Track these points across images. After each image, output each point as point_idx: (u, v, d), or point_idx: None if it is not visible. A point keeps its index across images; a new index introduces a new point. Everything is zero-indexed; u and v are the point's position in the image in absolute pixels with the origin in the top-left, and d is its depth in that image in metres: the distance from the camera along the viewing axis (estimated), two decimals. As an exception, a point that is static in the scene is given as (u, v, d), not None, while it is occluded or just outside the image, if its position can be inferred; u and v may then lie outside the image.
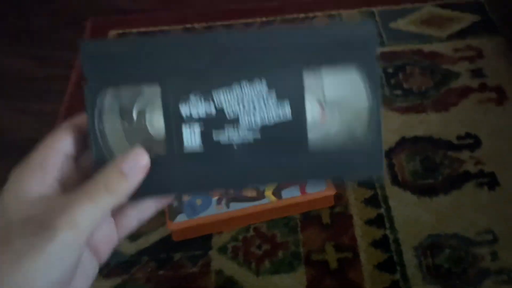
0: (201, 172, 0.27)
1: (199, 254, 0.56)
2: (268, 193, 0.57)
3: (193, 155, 0.26)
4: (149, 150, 0.26)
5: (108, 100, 0.27)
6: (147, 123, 0.28)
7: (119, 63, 0.26)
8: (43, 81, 0.82)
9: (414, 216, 0.57)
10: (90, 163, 0.26)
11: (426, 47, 0.77)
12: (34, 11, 0.95)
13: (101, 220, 0.25)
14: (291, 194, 0.57)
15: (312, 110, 0.27)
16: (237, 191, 0.57)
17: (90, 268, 0.27)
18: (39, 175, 0.25)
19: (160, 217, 0.59)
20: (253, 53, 0.26)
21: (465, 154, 0.63)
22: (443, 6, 0.84)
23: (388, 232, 0.56)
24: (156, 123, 0.27)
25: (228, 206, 0.56)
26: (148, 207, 0.29)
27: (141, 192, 0.26)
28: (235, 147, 0.26)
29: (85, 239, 0.24)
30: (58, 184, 0.26)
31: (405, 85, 0.72)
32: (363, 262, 0.54)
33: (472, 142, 0.64)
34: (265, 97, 0.26)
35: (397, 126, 0.67)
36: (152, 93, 0.27)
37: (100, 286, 0.54)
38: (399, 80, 0.73)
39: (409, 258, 0.53)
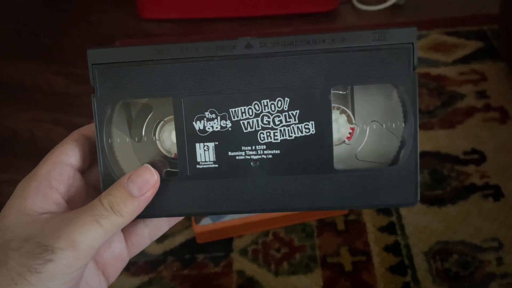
0: (215, 191, 0.25)
1: (221, 256, 0.60)
2: None
3: (206, 171, 0.25)
4: (159, 167, 0.25)
5: (118, 113, 0.25)
6: (158, 139, 0.26)
7: (131, 74, 0.24)
8: (75, 96, 0.88)
9: (424, 224, 0.61)
10: (98, 178, 0.25)
11: (433, 71, 0.83)
12: (66, 32, 1.03)
13: (105, 241, 0.23)
14: None
15: (339, 127, 0.25)
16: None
17: (96, 286, 0.26)
18: (44, 190, 0.24)
19: (185, 221, 0.63)
20: (276, 74, 0.24)
21: (471, 168, 0.67)
22: (449, 33, 0.90)
23: (399, 238, 0.59)
24: (167, 139, 0.26)
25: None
26: (160, 226, 0.28)
27: (152, 211, 0.25)
28: (252, 163, 0.24)
29: (86, 261, 0.22)
30: (64, 200, 0.24)
31: (414, 105, 0.77)
32: (376, 265, 0.57)
33: (477, 157, 0.68)
34: (287, 115, 0.24)
35: (407, 141, 0.71)
36: (165, 108, 0.26)
37: (128, 283, 0.58)
38: (408, 100, 0.77)
39: (419, 262, 0.57)
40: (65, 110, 0.85)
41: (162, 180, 0.25)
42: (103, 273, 0.27)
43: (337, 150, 0.25)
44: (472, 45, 0.87)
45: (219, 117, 0.25)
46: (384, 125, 0.25)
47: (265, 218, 0.60)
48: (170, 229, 0.63)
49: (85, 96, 0.87)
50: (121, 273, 0.59)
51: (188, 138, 0.25)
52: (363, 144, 0.26)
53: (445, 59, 0.85)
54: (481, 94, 0.78)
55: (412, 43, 0.25)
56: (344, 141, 0.26)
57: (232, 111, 0.25)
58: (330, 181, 0.24)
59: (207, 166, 0.25)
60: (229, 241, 0.61)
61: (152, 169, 0.24)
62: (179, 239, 0.62)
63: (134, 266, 0.59)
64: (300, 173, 0.24)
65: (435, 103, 0.77)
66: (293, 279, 0.57)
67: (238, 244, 0.61)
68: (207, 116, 0.25)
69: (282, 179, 0.24)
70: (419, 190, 0.24)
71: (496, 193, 0.63)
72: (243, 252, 0.60)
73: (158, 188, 0.24)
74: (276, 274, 0.57)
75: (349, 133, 0.26)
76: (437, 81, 0.81)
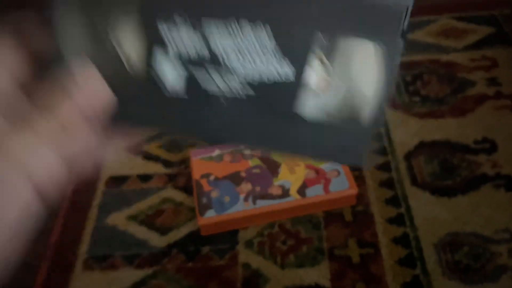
0: (182, 116, 0.22)
1: (226, 248, 0.59)
2: (293, 191, 0.60)
3: (175, 100, 0.22)
4: (117, 80, 0.21)
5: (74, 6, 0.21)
6: (118, 45, 0.22)
7: None
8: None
9: (433, 215, 0.59)
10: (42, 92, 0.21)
11: (443, 57, 0.80)
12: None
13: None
14: (314, 192, 0.60)
15: (315, 77, 0.23)
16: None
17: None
18: None
19: (189, 213, 0.62)
20: None
21: (482, 157, 0.65)
22: (459, 18, 0.87)
23: (408, 229, 0.58)
24: (129, 45, 0.22)
25: (254, 203, 0.59)
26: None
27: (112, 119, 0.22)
28: (223, 100, 0.22)
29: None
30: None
31: (423, 92, 0.75)
32: (384, 257, 0.56)
33: (488, 146, 0.66)
34: (267, 48, 0.21)
35: (416, 130, 0.69)
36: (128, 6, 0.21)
37: (132, 276, 0.57)
38: (417, 88, 0.76)
39: (429, 254, 0.56)
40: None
41: (123, 95, 0.22)
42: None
43: (308, 99, 0.23)
44: (483, 31, 0.85)
45: (190, 27, 0.21)
46: (359, 85, 0.24)
47: (271, 210, 0.59)
48: (174, 221, 0.62)
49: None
50: (125, 265, 0.59)
51: (152, 45, 0.21)
52: (334, 99, 0.24)
53: (455, 45, 0.83)
54: (493, 81, 0.75)
55: (407, 7, 0.22)
56: (316, 92, 0.24)
57: (206, 24, 0.21)
58: (299, 126, 0.23)
59: (176, 93, 0.22)
60: (235, 233, 0.60)
61: (107, 88, 0.21)
62: (183, 231, 0.61)
63: (138, 259, 0.58)
64: (270, 118, 0.22)
65: (445, 91, 0.75)
66: (300, 271, 0.56)
67: (243, 236, 0.60)
68: (176, 22, 0.21)
69: (253, 120, 0.23)
70: (366, 153, 0.23)
71: (508, 183, 0.61)
72: (249, 244, 0.59)
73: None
74: (283, 266, 0.56)
75: (325, 83, 0.24)
76: (447, 68, 0.78)
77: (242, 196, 0.60)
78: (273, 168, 0.64)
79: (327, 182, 0.61)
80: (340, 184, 0.60)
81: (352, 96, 0.24)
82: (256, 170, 0.63)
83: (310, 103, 0.23)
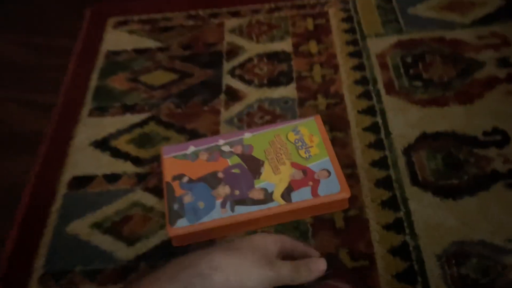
0: None
1: (201, 261, 0.51)
2: (277, 196, 0.53)
3: None
4: None
5: None
6: None
7: None
8: (39, 70, 0.78)
9: (437, 220, 0.52)
10: None
11: (448, 34, 0.71)
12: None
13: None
14: (301, 197, 0.52)
15: None
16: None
17: None
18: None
19: (161, 219, 0.55)
20: None
21: (492, 151, 0.57)
22: (466, -11, 0.78)
23: (408, 238, 0.51)
24: None
25: (233, 210, 0.52)
26: None
27: None
28: None
29: None
30: None
31: (425, 76, 0.66)
32: (381, 272, 0.49)
33: (500, 138, 0.58)
34: None
35: (417, 120, 0.61)
36: None
37: (94, 295, 0.50)
38: (418, 70, 0.67)
39: (432, 267, 0.49)
40: (24, 85, 0.75)
41: None
42: None
43: None
44: (492, 4, 0.75)
45: None
46: None
47: (251, 218, 0.52)
48: (143, 229, 0.55)
49: (48, 71, 0.77)
50: (85, 282, 0.52)
51: None
52: None
53: (462, 20, 0.74)
54: (504, 62, 0.67)
55: None
56: None
57: None
58: None
59: None
60: (210, 244, 0.53)
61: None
62: (153, 241, 0.54)
63: (100, 274, 0.51)
64: None
65: (450, 73, 0.66)
66: (284, 288, 0.49)
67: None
68: None
69: None
70: None
71: (523, 182, 0.54)
72: (227, 256, 0.52)
73: None
74: (264, 282, 0.49)
75: None
76: (452, 47, 0.70)
77: (218, 201, 0.53)
78: (254, 168, 0.56)
79: (315, 184, 0.53)
80: (331, 187, 0.53)
81: None
82: (236, 170, 0.56)
83: None
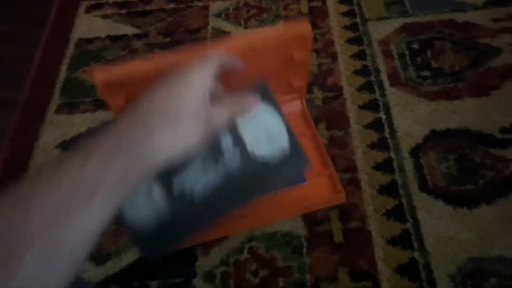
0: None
1: (180, 282, 0.45)
2: None
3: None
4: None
5: None
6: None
7: None
8: (3, 62, 0.70)
9: (449, 233, 0.45)
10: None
11: (459, 17, 0.64)
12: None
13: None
14: None
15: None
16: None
17: None
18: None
19: (134, 234, 0.48)
20: None
21: (511, 152, 0.50)
22: (478, -35, 0.69)
23: (416, 254, 0.45)
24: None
25: None
26: None
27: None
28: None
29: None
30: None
31: (434, 65, 0.59)
32: (386, 295, 0.43)
33: (519, 136, 0.51)
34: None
35: (426, 116, 0.54)
36: None
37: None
38: (426, 58, 0.60)
39: (444, 289, 0.42)
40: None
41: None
42: None
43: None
44: (507, -19, 0.67)
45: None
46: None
47: (235, 217, 0.45)
48: (114, 245, 0.48)
49: (13, 62, 0.69)
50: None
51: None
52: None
53: (474, 1, 0.66)
54: (522, 48, 0.59)
55: None
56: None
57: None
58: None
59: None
60: (191, 261, 0.46)
61: None
62: (125, 259, 0.47)
63: (65, 299, 0.45)
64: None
65: (462, 62, 0.59)
66: (275, 314, 0.43)
67: (202, 265, 0.46)
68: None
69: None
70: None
71: (547, 188, 0.47)
72: (209, 276, 0.45)
73: None
74: (252, 308, 0.43)
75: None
76: (464, 31, 0.62)
77: None
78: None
79: None
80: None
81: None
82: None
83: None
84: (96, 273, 0.46)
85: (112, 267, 0.47)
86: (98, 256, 0.47)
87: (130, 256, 0.47)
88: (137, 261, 0.47)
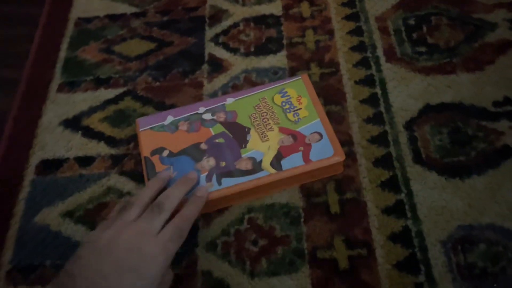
0: None
1: (183, 252, 0.47)
2: (266, 164, 0.48)
3: None
4: None
5: None
6: None
7: None
8: (4, 42, 0.70)
9: (442, 203, 0.47)
10: None
11: (455, -8, 0.64)
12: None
13: None
14: (292, 164, 0.47)
15: None
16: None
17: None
18: None
19: (138, 207, 0.50)
20: None
21: (503, 124, 0.52)
22: None
23: (409, 222, 0.46)
24: None
25: (220, 183, 0.47)
26: None
27: None
28: None
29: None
30: None
31: (430, 40, 0.60)
32: (380, 261, 0.44)
33: (512, 109, 0.53)
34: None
35: (421, 90, 0.55)
36: None
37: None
38: (422, 34, 0.60)
39: (436, 254, 0.44)
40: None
41: None
42: None
43: None
44: (504, -44, 0.68)
45: None
46: None
47: (239, 190, 0.47)
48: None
49: (14, 42, 0.69)
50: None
51: None
52: None
53: (471, -24, 0.66)
54: (517, 23, 0.60)
55: None
56: None
57: None
58: None
59: None
60: (193, 232, 0.48)
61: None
62: (130, 230, 0.49)
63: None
64: None
65: (458, 37, 0.60)
66: (274, 281, 0.45)
67: (204, 236, 0.48)
68: None
69: None
70: None
71: (537, 159, 0.49)
72: (211, 246, 0.47)
73: None
74: (252, 275, 0.45)
75: None
76: (459, 6, 0.63)
77: (203, 175, 0.47)
78: (240, 136, 0.50)
79: (306, 149, 0.48)
80: (323, 150, 0.48)
81: None
82: (220, 140, 0.50)
83: None
84: (102, 244, 0.48)
85: None
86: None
87: (134, 228, 0.49)
88: (141, 232, 0.49)
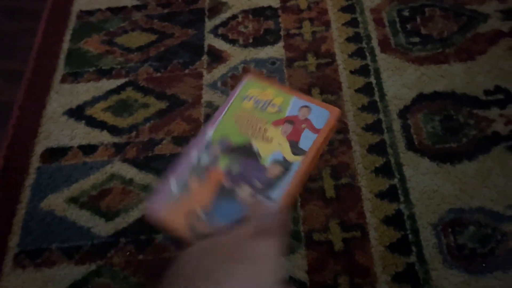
0: None
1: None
2: (290, 157, 0.47)
3: None
4: None
5: None
6: None
7: None
8: (10, 35, 0.72)
9: (433, 187, 0.49)
10: None
11: (449, -16, 0.66)
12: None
13: None
14: (308, 141, 0.47)
15: None
16: None
17: None
18: None
19: (141, 192, 0.52)
20: None
21: (494, 112, 0.53)
22: None
23: (402, 206, 0.48)
24: None
25: (270, 198, 0.46)
26: None
27: None
28: None
29: None
30: None
31: (424, 31, 0.61)
32: (373, 243, 0.46)
33: (502, 97, 0.54)
34: None
35: (414, 80, 0.57)
36: None
37: (72, 273, 0.48)
38: (416, 25, 0.62)
39: (427, 236, 0.46)
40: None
41: None
42: None
43: None
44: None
45: None
46: None
47: (286, 193, 0.47)
48: (122, 203, 0.51)
49: (19, 35, 0.71)
50: (63, 261, 0.49)
51: None
52: None
53: (464, -32, 0.67)
54: (509, 14, 0.61)
55: None
56: None
57: None
58: None
59: None
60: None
61: None
62: (133, 215, 0.51)
63: (79, 252, 0.49)
64: None
65: (451, 28, 0.61)
66: (272, 262, 0.46)
67: (204, 219, 0.50)
68: None
69: None
70: None
71: (525, 145, 0.50)
72: (211, 229, 0.49)
73: None
74: (251, 257, 0.47)
75: None
76: (453, -2, 0.64)
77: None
78: (248, 153, 0.50)
79: (307, 123, 0.49)
80: (320, 115, 0.48)
81: None
82: (235, 168, 0.49)
83: None
84: (106, 228, 0.50)
85: (120, 222, 0.50)
86: (108, 212, 0.51)
87: (137, 213, 0.51)
88: (143, 217, 0.50)
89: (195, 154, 0.50)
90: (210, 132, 0.51)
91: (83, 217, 0.51)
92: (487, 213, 0.47)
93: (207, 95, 0.59)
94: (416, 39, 0.60)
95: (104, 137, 0.57)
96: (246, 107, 0.51)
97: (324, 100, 0.56)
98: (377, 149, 0.52)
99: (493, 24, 0.61)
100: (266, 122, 0.50)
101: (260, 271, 0.30)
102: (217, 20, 0.66)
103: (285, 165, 0.48)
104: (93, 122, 0.58)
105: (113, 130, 0.57)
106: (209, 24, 0.66)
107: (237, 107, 0.51)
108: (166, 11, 0.69)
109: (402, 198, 0.48)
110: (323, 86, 0.58)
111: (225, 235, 0.32)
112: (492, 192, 0.48)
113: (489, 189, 0.48)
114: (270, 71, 0.60)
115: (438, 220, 0.47)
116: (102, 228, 0.50)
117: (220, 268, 0.30)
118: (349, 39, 0.62)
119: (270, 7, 0.67)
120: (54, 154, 0.56)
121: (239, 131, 0.49)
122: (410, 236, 0.46)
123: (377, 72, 0.58)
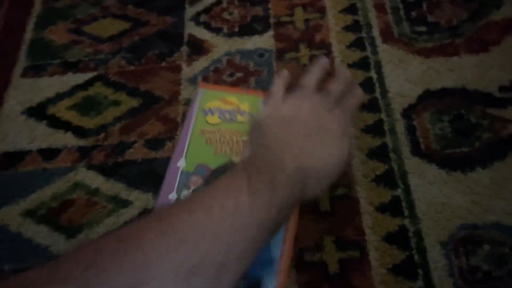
0: None
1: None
2: None
3: None
4: None
5: None
6: None
7: None
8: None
9: (442, 199, 0.43)
10: None
11: (458, -34, 0.59)
12: None
13: None
14: None
15: None
16: None
17: None
18: None
19: (108, 204, 0.45)
20: None
21: (510, 112, 0.47)
22: None
23: (406, 221, 0.42)
24: None
25: None
26: None
27: None
28: None
29: None
30: None
31: (431, 18, 0.55)
32: (373, 264, 0.40)
33: (519, 94, 0.48)
34: None
35: (420, 74, 0.51)
36: None
37: None
38: (422, 12, 0.55)
39: (435, 257, 0.40)
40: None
41: None
42: None
43: None
44: None
45: None
46: None
47: None
48: (86, 217, 0.45)
49: None
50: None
51: None
52: None
53: (475, -51, 0.61)
54: (525, -1, 0.55)
55: None
56: None
57: None
58: None
59: None
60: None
61: None
62: (98, 231, 0.44)
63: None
64: None
65: (461, 15, 0.55)
66: (257, 287, 0.40)
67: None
68: None
69: None
70: None
71: (547, 150, 0.44)
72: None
73: None
74: (233, 281, 0.41)
75: None
76: (462, -18, 0.57)
77: None
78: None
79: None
80: None
81: None
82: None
83: None
84: (66, 246, 0.44)
85: (83, 240, 0.44)
86: (69, 228, 0.44)
87: (103, 228, 0.44)
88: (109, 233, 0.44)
89: (173, 195, 0.41)
90: (181, 163, 0.42)
91: (40, 234, 0.44)
92: (504, 229, 0.41)
93: (186, 92, 0.52)
94: (422, 28, 0.54)
95: (68, 139, 0.50)
96: (212, 123, 0.44)
97: (318, 97, 0.50)
98: (378, 154, 0.46)
99: (507, 11, 0.54)
100: (241, 134, 0.43)
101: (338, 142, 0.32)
102: (199, 6, 0.59)
103: None
104: (55, 122, 0.51)
105: (79, 131, 0.51)
106: (190, 11, 0.59)
107: (201, 124, 0.43)
108: (141, -5, 0.61)
109: (406, 212, 0.42)
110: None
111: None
112: (509, 204, 0.42)
113: (506, 201, 0.42)
114: (258, 64, 0.53)
115: (448, 238, 0.41)
116: (62, 246, 0.44)
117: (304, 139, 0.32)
118: (346, 28, 0.55)
119: None
120: (10, 159, 0.49)
121: (214, 152, 0.42)
122: (416, 256, 0.40)
123: (378, 66, 0.52)
